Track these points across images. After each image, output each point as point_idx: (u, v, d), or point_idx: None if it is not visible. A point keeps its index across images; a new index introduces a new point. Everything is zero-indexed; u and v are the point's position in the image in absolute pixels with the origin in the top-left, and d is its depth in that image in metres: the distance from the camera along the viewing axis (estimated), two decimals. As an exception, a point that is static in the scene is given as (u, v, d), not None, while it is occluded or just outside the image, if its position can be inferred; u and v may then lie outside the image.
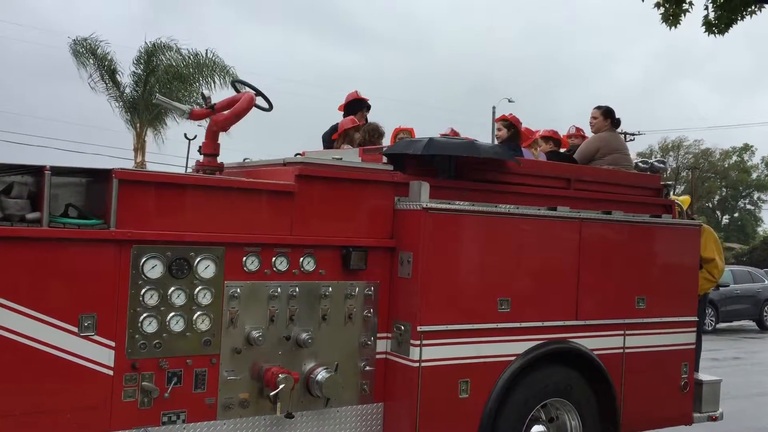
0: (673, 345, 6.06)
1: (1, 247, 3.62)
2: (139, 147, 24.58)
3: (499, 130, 6.64)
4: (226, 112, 5.01)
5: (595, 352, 5.54)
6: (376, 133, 6.26)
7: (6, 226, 3.64)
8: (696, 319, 6.24)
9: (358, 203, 4.77)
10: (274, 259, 4.44)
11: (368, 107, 7.13)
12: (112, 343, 3.95)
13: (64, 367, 3.81)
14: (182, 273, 4.14)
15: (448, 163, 5.20)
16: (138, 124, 24.56)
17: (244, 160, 5.57)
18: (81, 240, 3.84)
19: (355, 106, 7.02)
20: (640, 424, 5.92)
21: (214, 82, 23.91)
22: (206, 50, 23.58)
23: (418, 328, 4.72)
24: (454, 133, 7.24)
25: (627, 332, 5.77)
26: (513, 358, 5.12)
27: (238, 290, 4.32)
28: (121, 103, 24.31)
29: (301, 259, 4.54)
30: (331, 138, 6.74)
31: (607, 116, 6.97)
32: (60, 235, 3.77)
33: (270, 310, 4.43)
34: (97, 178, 4.00)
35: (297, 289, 4.51)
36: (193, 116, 5.13)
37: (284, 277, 4.48)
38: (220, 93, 22.73)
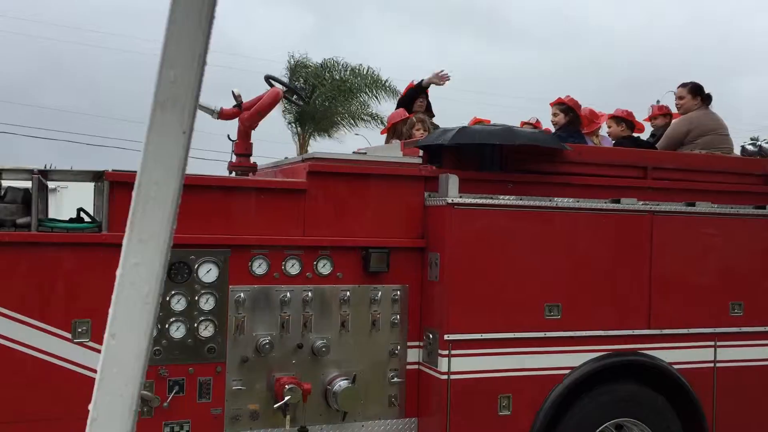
0: (782, 359, 5.18)
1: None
2: (302, 156, 25.57)
3: (554, 115, 6.01)
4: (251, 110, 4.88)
5: (676, 366, 4.84)
6: (423, 124, 5.86)
7: (-6, 231, 3.71)
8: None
9: (378, 200, 4.42)
10: (284, 261, 4.23)
11: (426, 95, 6.71)
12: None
13: (59, 374, 3.79)
14: (182, 277, 4.01)
15: (490, 153, 4.74)
16: (302, 135, 25.77)
17: (285, 159, 5.41)
18: (71, 244, 3.83)
19: (413, 95, 6.64)
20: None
21: (377, 96, 24.65)
22: (362, 65, 24.34)
23: (446, 337, 4.30)
24: (538, 124, 6.68)
25: (719, 343, 4.99)
26: (566, 372, 4.57)
27: (244, 295, 4.15)
28: (290, 116, 25.61)
29: (316, 261, 4.29)
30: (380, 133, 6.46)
31: (695, 93, 6.08)
32: (48, 239, 3.77)
33: (281, 316, 4.22)
34: (93, 180, 3.98)
35: (311, 294, 4.27)
36: (223, 116, 5.02)
37: (296, 281, 4.24)
38: (383, 106, 23.65)
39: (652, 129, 6.68)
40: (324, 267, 4.30)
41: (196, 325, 4.04)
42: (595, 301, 4.64)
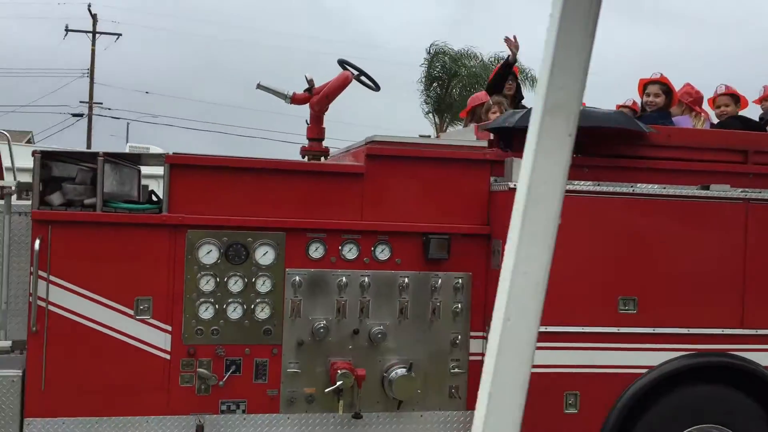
0: None
1: (58, 230, 3.93)
2: (438, 145, 25.89)
3: (656, 96, 5.56)
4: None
5: (775, 371, 4.41)
6: (500, 107, 5.61)
7: (61, 210, 3.94)
8: None
9: (439, 185, 4.30)
10: (341, 246, 4.22)
11: (514, 76, 6.43)
12: (169, 328, 4.05)
13: (121, 348, 3.99)
14: (239, 259, 4.10)
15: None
16: (440, 125, 25.94)
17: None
18: (133, 224, 4.01)
19: (503, 75, 6.38)
20: None
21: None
22: (503, 53, 23.95)
23: (506, 329, 4.14)
24: (635, 106, 6.27)
25: (828, 347, 4.50)
26: (644, 371, 4.26)
27: (300, 279, 4.18)
28: (428, 105, 25.86)
29: (374, 246, 4.25)
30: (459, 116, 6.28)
31: None
32: (111, 219, 3.96)
33: (337, 300, 4.22)
34: (156, 164, 4.14)
35: (368, 279, 4.24)
36: (294, 101, 5.07)
37: (353, 265, 4.22)
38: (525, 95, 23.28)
39: (761, 112, 6.07)
40: (382, 252, 4.25)
41: (252, 306, 4.12)
42: (678, 297, 4.29)
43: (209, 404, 4.09)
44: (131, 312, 4.00)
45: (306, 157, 4.94)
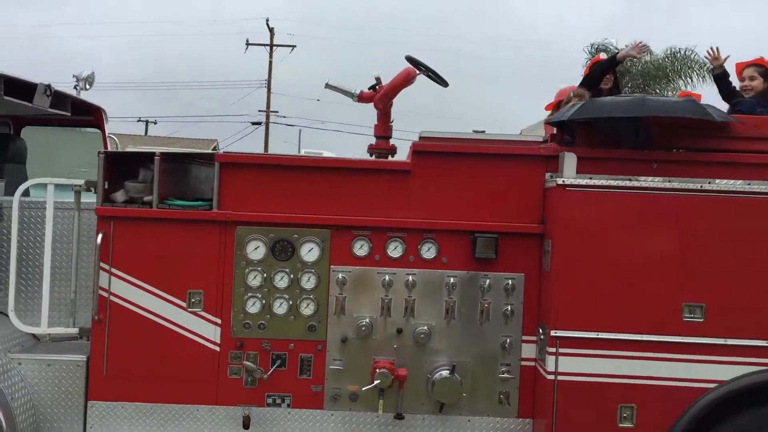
0: None
1: (119, 225, 4.22)
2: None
3: (751, 79, 5.03)
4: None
5: None
6: (581, 100, 5.26)
7: (121, 207, 4.23)
8: None
9: (489, 181, 4.15)
10: (386, 243, 4.20)
11: (614, 69, 6.04)
12: (219, 320, 4.22)
13: (175, 338, 4.21)
14: (285, 255, 4.20)
15: (630, 128, 4.19)
16: None
17: None
18: (186, 221, 4.21)
19: (603, 70, 6.02)
20: None
21: (692, 79, 23.23)
22: (676, 47, 23.02)
23: (553, 333, 3.92)
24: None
25: None
26: (712, 386, 3.89)
27: (343, 276, 4.20)
28: None
29: (420, 244, 4.19)
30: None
31: None
32: (165, 215, 4.20)
33: (382, 299, 4.21)
34: (206, 162, 4.33)
35: (413, 278, 4.18)
36: (362, 99, 5.11)
37: (398, 263, 4.19)
38: (700, 89, 22.20)
39: None
40: (428, 251, 4.18)
41: (298, 302, 4.20)
42: (756, 305, 3.89)
43: (256, 397, 4.22)
44: (184, 304, 4.21)
45: (373, 155, 4.97)
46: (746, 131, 4.17)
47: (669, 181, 3.99)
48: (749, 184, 3.97)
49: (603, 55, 6.30)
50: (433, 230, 4.18)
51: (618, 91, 6.10)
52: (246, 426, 4.20)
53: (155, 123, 44.74)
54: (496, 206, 4.17)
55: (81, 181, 4.31)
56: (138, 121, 43.88)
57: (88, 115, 6.01)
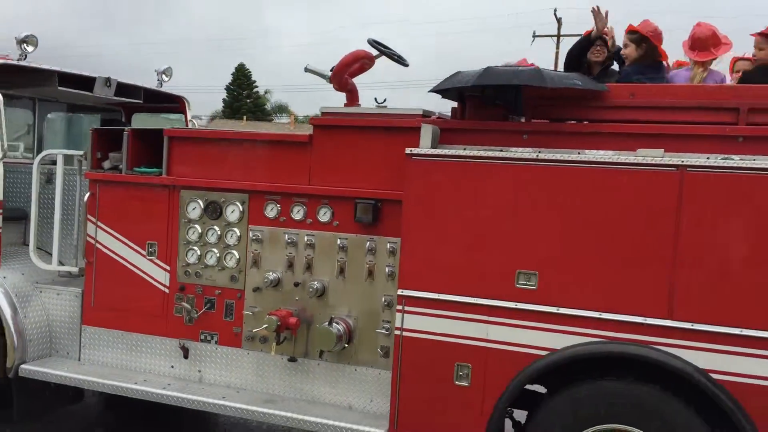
0: None
1: (103, 187, 5.34)
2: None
3: (625, 46, 4.73)
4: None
5: (720, 377, 3.67)
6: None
7: (102, 172, 5.35)
8: None
9: (372, 153, 4.57)
10: (291, 207, 4.82)
11: (604, 41, 5.73)
12: (168, 267, 5.18)
13: (138, 280, 5.25)
14: (215, 215, 5.02)
15: (512, 98, 4.34)
16: None
17: None
18: (144, 184, 5.21)
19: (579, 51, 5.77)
20: None
21: None
22: None
23: (399, 292, 4.29)
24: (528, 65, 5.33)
25: (800, 358, 3.55)
26: (544, 353, 3.98)
27: (260, 234, 4.90)
28: None
29: (317, 209, 4.75)
30: None
31: None
32: (129, 179, 5.24)
33: (287, 256, 4.85)
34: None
35: (310, 239, 4.76)
36: (332, 80, 5.69)
37: (300, 225, 4.79)
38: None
39: None
40: (324, 215, 4.74)
41: (224, 255, 5.02)
42: (590, 276, 3.90)
43: (192, 333, 5.13)
44: (144, 252, 5.25)
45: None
46: (623, 101, 4.14)
47: (501, 150, 4.15)
48: (577, 154, 3.98)
49: None
50: (328, 196, 4.74)
51: (611, 63, 5.91)
52: (186, 356, 5.15)
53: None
54: (377, 175, 4.60)
55: (82, 152, 5.54)
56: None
57: (175, 103, 7.36)
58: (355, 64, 5.34)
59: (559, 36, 38.96)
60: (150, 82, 7.10)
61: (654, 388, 3.81)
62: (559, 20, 39.24)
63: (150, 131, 5.38)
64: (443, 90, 4.54)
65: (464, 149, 4.25)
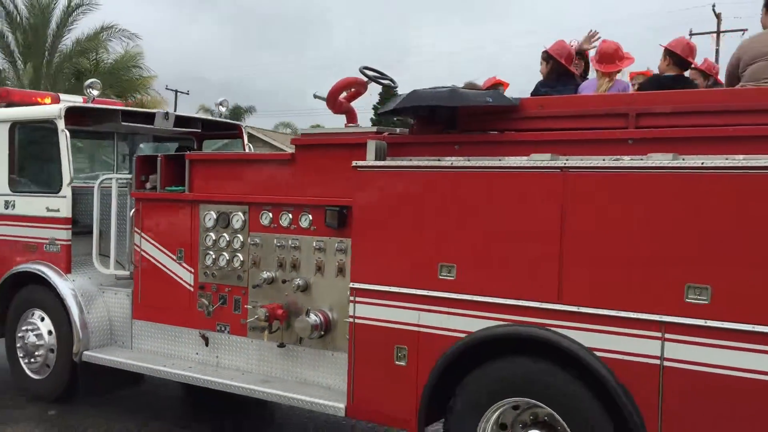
0: (780, 375, 3.63)
1: (145, 204, 6.46)
2: None
3: (540, 64, 5.10)
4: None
5: (602, 354, 4.10)
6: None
7: (144, 191, 6.45)
8: None
9: (336, 166, 5.31)
10: (280, 215, 5.67)
11: (581, 56, 6.08)
12: (192, 269, 6.19)
13: (170, 281, 6.31)
14: (224, 224, 5.98)
15: (443, 115, 4.97)
16: None
17: None
18: (172, 200, 6.26)
19: None
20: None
21: None
22: None
23: (351, 285, 5.02)
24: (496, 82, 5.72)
25: (668, 336, 3.93)
26: (463, 336, 4.56)
27: (257, 239, 5.79)
28: None
29: (300, 216, 5.57)
30: None
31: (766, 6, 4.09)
32: (162, 197, 6.31)
33: (278, 257, 5.69)
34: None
35: (294, 243, 5.58)
36: (327, 106, 6.46)
37: (287, 231, 5.63)
38: None
39: None
40: (305, 221, 5.56)
41: (232, 258, 5.96)
42: (498, 267, 4.45)
43: (211, 324, 6.11)
44: (175, 257, 6.31)
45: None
46: (534, 112, 4.68)
47: (427, 160, 4.80)
48: (487, 161, 4.57)
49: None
50: (307, 205, 5.56)
51: (585, 76, 6.33)
52: (206, 344, 6.14)
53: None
54: (342, 185, 5.32)
55: (130, 176, 6.70)
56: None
57: (234, 130, 8.50)
58: (349, 90, 6.14)
59: (718, 33, 37.39)
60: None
61: (549, 364, 4.32)
62: (718, 16, 37.70)
63: (177, 156, 6.45)
64: (400, 110, 5.26)
65: (410, 160, 4.94)
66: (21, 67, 26.12)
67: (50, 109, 7.02)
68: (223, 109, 8.58)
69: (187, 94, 50.82)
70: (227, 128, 8.59)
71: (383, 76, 6.22)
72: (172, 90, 47.88)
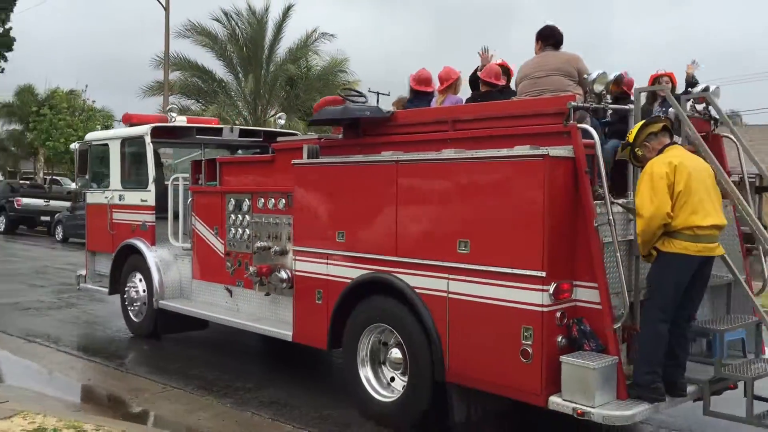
0: (506, 300, 5.26)
1: (196, 195, 8.97)
2: None
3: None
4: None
5: (419, 290, 5.90)
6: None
7: (196, 186, 8.96)
8: (541, 274, 4.97)
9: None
10: (268, 200, 7.89)
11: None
12: (223, 241, 8.61)
13: (210, 249, 8.78)
14: (238, 208, 8.32)
15: (351, 124, 6.93)
16: None
17: None
18: (210, 192, 8.71)
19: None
20: (471, 380, 5.54)
21: None
22: None
23: (293, 247, 7.14)
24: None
25: (450, 276, 5.65)
26: (349, 281, 6.52)
27: (257, 218, 8.06)
28: None
29: (278, 200, 7.75)
30: None
31: (537, 40, 5.52)
32: (205, 189, 8.77)
33: (268, 231, 7.91)
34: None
35: (277, 219, 7.77)
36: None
37: (272, 211, 7.85)
38: None
39: None
40: (282, 204, 7.75)
41: (243, 233, 8.29)
42: (364, 231, 6.39)
43: (233, 281, 8.51)
44: (214, 233, 8.76)
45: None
46: (401, 120, 6.56)
47: (348, 157, 6.76)
48: (361, 157, 6.51)
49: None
50: (282, 192, 7.74)
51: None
52: (231, 295, 8.54)
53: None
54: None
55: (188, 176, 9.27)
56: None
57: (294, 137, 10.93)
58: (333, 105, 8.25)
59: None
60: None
61: (391, 298, 6.19)
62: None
63: (213, 160, 8.95)
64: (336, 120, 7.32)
65: (321, 159, 7.02)
66: (242, 79, 27.78)
67: (143, 128, 9.82)
68: (281, 121, 11.04)
69: (388, 95, 54.38)
70: (285, 136, 11.02)
71: (359, 94, 8.27)
72: (374, 92, 51.46)
